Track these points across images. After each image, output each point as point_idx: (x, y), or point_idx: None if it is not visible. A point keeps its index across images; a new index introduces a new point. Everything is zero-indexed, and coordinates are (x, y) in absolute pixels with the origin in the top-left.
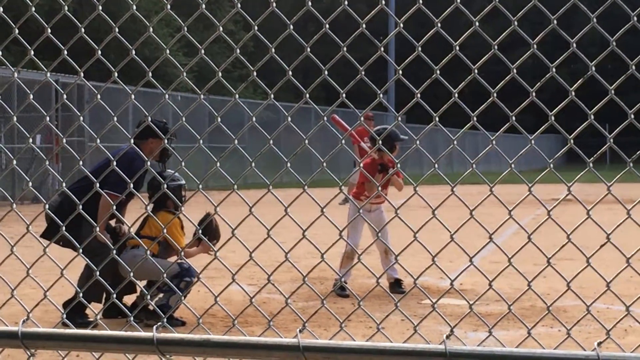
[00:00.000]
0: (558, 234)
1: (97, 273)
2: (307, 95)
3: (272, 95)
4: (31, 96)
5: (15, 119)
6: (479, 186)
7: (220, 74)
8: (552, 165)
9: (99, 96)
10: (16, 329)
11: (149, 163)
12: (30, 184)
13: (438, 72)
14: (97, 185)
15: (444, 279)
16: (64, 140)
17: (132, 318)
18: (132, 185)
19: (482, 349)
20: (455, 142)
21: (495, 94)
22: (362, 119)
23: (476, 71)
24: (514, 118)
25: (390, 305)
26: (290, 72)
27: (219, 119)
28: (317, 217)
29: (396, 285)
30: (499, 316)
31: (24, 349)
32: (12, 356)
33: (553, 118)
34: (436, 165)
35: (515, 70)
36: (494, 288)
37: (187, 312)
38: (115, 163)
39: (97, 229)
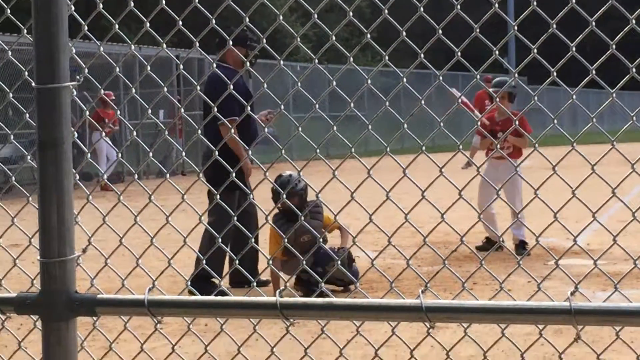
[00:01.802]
0: None
1: (219, 240)
2: (422, 56)
3: (387, 57)
4: (148, 68)
5: (134, 90)
6: (605, 145)
7: (334, 38)
8: None
9: (214, 65)
10: (142, 296)
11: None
12: (151, 154)
13: (554, 26)
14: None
15: (570, 239)
16: (182, 112)
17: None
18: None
19: (608, 305)
20: (574, 97)
21: (614, 46)
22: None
23: (594, 24)
24: (634, 70)
25: (516, 266)
26: (404, 33)
27: (334, 83)
28: (435, 178)
29: (520, 247)
30: (628, 275)
31: (150, 317)
32: (142, 326)
33: None
34: (555, 121)
35: (634, 21)
36: (618, 244)
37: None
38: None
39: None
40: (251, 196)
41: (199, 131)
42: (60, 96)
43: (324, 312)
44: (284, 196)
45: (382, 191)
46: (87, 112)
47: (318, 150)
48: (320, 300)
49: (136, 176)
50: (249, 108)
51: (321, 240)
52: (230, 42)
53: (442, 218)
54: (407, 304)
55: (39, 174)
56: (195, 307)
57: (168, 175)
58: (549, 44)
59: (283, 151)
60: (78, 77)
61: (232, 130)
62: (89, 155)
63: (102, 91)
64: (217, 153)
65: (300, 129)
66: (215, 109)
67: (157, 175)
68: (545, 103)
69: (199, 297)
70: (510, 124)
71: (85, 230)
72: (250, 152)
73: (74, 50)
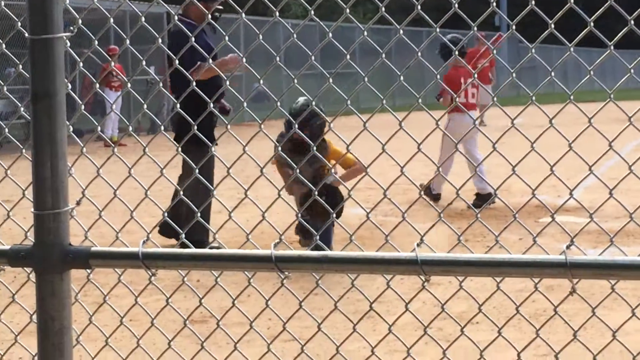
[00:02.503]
0: None
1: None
2: (419, 7)
3: (383, 9)
4: (143, 19)
5: (128, 42)
6: (596, 104)
7: None
8: None
9: (209, 17)
10: (136, 249)
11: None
12: (145, 106)
13: None
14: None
15: (562, 196)
16: (176, 63)
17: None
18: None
19: (604, 259)
20: (572, 49)
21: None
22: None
23: None
24: (632, 22)
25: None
26: None
27: (330, 35)
28: (431, 131)
29: (480, 199)
30: (620, 232)
31: (144, 269)
32: (135, 282)
33: None
34: (552, 74)
35: None
36: (614, 197)
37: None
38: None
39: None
40: (213, 149)
41: (160, 84)
42: (54, 47)
43: (318, 265)
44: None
45: (373, 148)
46: (81, 64)
47: (314, 103)
48: (315, 253)
49: (131, 128)
50: (210, 61)
51: (330, 178)
52: None
53: (439, 170)
54: (403, 257)
55: (32, 125)
56: (189, 260)
57: (162, 128)
58: (543, 3)
59: (279, 103)
60: (71, 27)
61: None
62: (82, 107)
63: (111, 46)
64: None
65: (295, 81)
66: (177, 62)
67: (148, 132)
68: (536, 62)
69: (193, 250)
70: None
71: (80, 183)
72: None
73: (67, 1)
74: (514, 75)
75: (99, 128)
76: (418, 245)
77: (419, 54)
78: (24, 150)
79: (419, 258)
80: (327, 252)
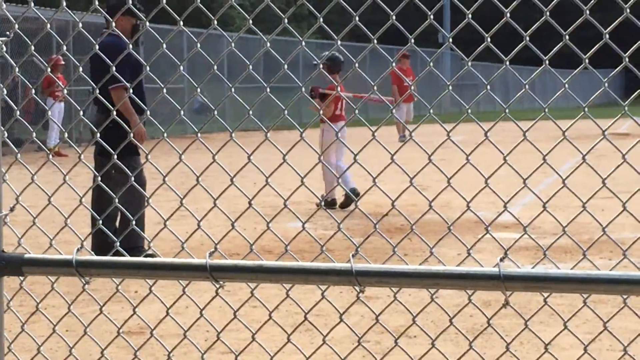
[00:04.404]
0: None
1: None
2: (357, 19)
3: (322, 19)
4: (80, 25)
5: (65, 47)
6: (541, 122)
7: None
8: (586, 109)
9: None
10: (70, 257)
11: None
12: (83, 115)
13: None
14: (97, 91)
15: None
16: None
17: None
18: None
19: (537, 272)
20: (507, 63)
21: (547, 13)
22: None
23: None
24: (567, 37)
25: (446, 239)
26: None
27: (268, 44)
28: (367, 142)
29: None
30: (555, 248)
31: (78, 277)
32: (71, 292)
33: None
34: (488, 87)
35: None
36: (548, 210)
37: (239, 244)
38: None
39: (131, 134)
40: (140, 162)
41: (91, 99)
42: None
43: (254, 275)
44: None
45: (309, 162)
46: (17, 69)
47: (251, 113)
48: (250, 262)
49: (66, 136)
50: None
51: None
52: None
53: (374, 182)
54: (338, 267)
55: None
56: (124, 268)
57: (98, 134)
58: (488, 25)
59: (216, 112)
60: (8, 32)
61: (124, 95)
62: (17, 113)
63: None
64: (112, 114)
65: (233, 89)
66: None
67: (88, 143)
68: (478, 80)
69: (128, 258)
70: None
71: (14, 190)
72: (143, 118)
73: (4, 6)
74: (450, 87)
75: (34, 134)
76: (353, 256)
77: (357, 64)
78: None
79: (353, 269)
80: (263, 262)
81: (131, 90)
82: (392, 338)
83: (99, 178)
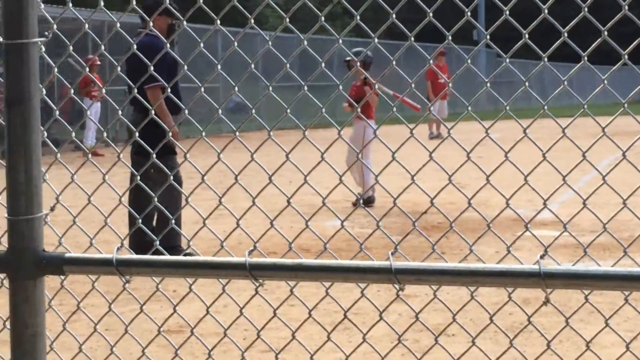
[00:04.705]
0: None
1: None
2: (394, 16)
3: (358, 17)
4: (118, 25)
5: (103, 47)
6: (579, 118)
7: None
8: (626, 106)
9: (174, 41)
10: (111, 256)
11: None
12: (121, 114)
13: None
14: (135, 90)
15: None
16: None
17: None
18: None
19: (578, 269)
20: (545, 59)
21: (586, 9)
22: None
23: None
24: (605, 33)
25: (485, 237)
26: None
27: (305, 42)
28: (405, 141)
29: (365, 202)
30: (595, 246)
31: (118, 276)
32: (111, 292)
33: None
34: (527, 84)
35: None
36: (588, 207)
37: (278, 243)
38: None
39: (169, 133)
40: (177, 161)
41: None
42: (29, 52)
43: (293, 273)
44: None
45: (343, 160)
46: (56, 69)
47: (289, 112)
48: (289, 261)
49: (105, 135)
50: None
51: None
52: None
53: (413, 180)
54: (377, 265)
55: (6, 130)
56: (164, 267)
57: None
58: (525, 20)
59: (253, 111)
60: (46, 33)
61: (160, 96)
62: (57, 113)
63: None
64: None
65: (271, 88)
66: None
67: (125, 142)
68: (515, 77)
69: (168, 257)
70: (362, 89)
71: (54, 189)
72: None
73: (42, 6)
74: (488, 85)
75: (73, 134)
76: (392, 254)
77: (394, 62)
78: None
79: (392, 267)
80: (302, 260)
81: (168, 90)
82: (431, 336)
83: (137, 177)
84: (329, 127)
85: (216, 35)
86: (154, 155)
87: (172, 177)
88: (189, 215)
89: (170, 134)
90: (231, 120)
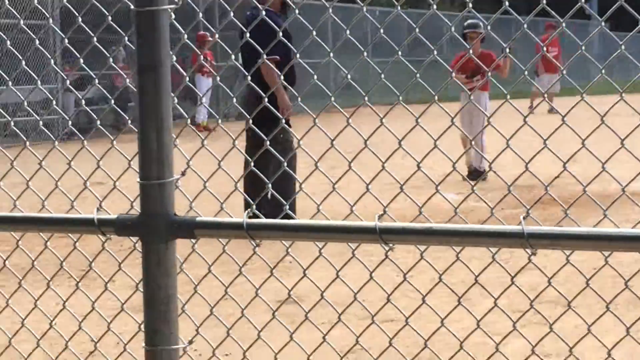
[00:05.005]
0: None
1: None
2: (507, 4)
3: (470, 4)
4: (232, 14)
5: (217, 36)
6: None
7: None
8: None
9: (296, 11)
10: (241, 219)
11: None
12: (235, 100)
13: None
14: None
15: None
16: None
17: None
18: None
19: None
20: None
21: None
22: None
23: None
24: None
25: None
26: None
27: (417, 30)
28: (526, 115)
29: (474, 175)
30: None
31: (248, 239)
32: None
33: None
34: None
35: None
36: None
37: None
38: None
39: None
40: (290, 133)
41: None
42: (159, 18)
43: (423, 237)
44: None
45: (456, 137)
46: (185, 36)
47: (400, 98)
48: (419, 225)
49: (220, 121)
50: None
51: None
52: None
53: (527, 168)
54: (509, 230)
55: (138, 97)
56: (294, 231)
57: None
58: None
59: (366, 98)
60: (177, 0)
61: (274, 70)
62: (187, 79)
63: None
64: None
65: (382, 76)
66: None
67: (236, 118)
68: (631, 50)
69: (298, 221)
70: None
71: (185, 155)
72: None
73: None
74: (603, 72)
75: (190, 118)
76: (524, 218)
77: (507, 49)
78: (114, 142)
79: (525, 231)
80: (432, 225)
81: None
82: (551, 307)
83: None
84: (441, 102)
85: (326, 10)
86: (266, 129)
87: (285, 148)
88: (316, 183)
89: (280, 107)
90: (344, 95)
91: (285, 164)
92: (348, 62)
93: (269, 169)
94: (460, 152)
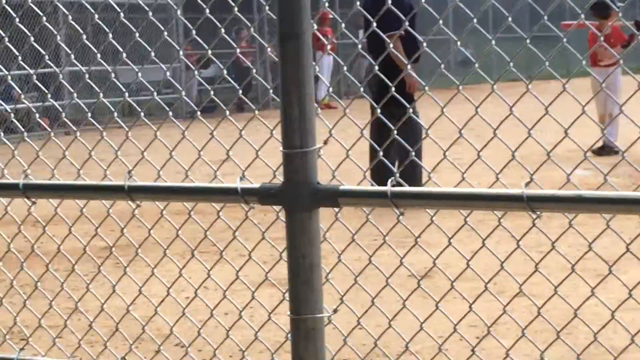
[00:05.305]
0: None
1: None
2: None
3: None
4: (267, 8)
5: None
6: None
7: None
8: None
9: None
10: (385, 188)
11: None
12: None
13: None
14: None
15: None
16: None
17: None
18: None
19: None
20: None
21: None
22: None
23: None
24: None
25: None
26: None
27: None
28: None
29: (604, 150)
30: None
31: (392, 207)
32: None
33: None
34: None
35: None
36: None
37: None
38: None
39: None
40: (410, 110)
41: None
42: None
43: (573, 205)
44: None
45: (573, 114)
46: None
47: (512, 65)
48: (569, 192)
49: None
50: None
51: None
52: None
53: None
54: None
55: (279, 66)
56: (439, 199)
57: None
58: None
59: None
60: None
61: (399, 44)
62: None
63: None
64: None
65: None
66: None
67: (354, 95)
68: None
69: (443, 189)
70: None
71: (327, 123)
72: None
73: None
74: None
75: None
76: None
77: (620, 14)
78: (257, 113)
79: None
80: (581, 192)
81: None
82: None
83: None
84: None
85: None
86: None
87: (412, 123)
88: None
89: (406, 83)
90: (460, 73)
91: (415, 134)
92: (466, 38)
93: (396, 143)
94: (584, 129)
